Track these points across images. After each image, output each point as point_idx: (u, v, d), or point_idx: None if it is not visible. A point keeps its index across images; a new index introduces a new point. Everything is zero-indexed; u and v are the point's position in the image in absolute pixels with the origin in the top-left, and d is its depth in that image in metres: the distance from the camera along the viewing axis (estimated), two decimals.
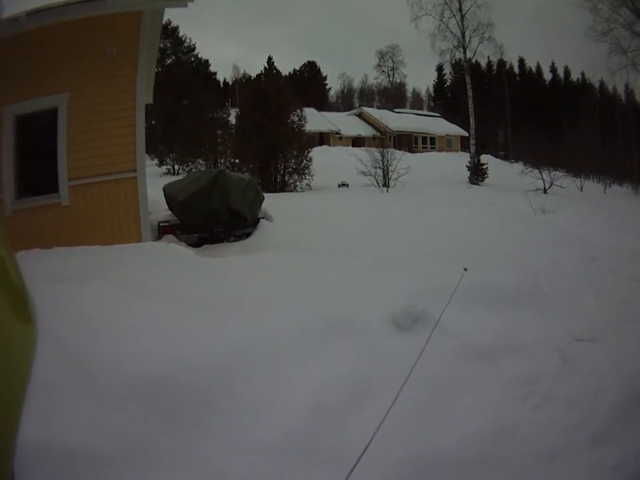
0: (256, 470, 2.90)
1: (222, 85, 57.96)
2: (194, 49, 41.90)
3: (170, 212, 10.77)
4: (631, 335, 5.15)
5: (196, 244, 9.24)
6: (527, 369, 4.43)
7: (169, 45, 37.84)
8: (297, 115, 24.33)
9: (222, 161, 26.91)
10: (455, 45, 31.25)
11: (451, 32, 31.00)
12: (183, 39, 40.57)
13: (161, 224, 10.17)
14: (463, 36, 30.63)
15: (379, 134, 44.04)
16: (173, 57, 39.13)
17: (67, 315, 4.07)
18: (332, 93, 72.30)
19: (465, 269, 5.51)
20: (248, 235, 10.26)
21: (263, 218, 11.04)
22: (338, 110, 58.18)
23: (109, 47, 7.69)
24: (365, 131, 46.86)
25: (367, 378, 3.82)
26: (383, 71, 67.07)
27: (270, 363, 3.79)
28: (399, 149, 30.24)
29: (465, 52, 30.91)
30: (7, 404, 0.64)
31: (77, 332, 3.85)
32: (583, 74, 57.41)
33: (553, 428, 3.74)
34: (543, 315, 5.73)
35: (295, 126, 24.12)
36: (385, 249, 7.76)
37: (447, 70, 54.30)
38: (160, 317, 4.12)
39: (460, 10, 30.57)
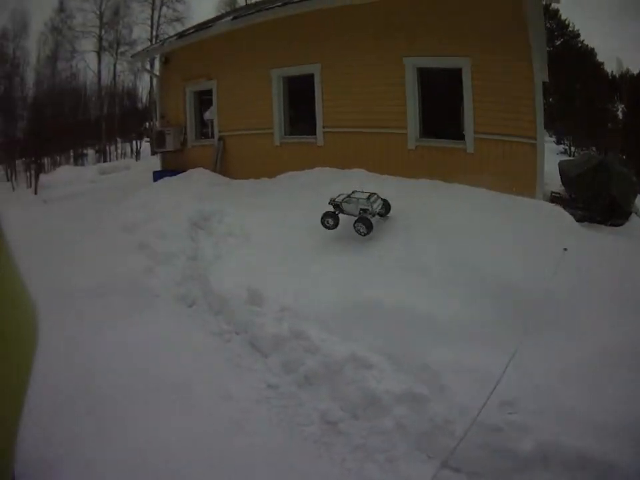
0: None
1: (610, 77, 53.48)
2: (579, 35, 39.68)
3: (562, 187, 11.60)
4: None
5: (578, 219, 9.40)
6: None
7: (554, 26, 36.58)
8: None
9: (610, 153, 25.95)
10: None
11: None
12: (566, 22, 38.60)
13: (553, 193, 11.16)
14: None
15: None
16: (561, 39, 37.77)
17: None
18: None
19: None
20: (619, 225, 10.42)
21: (635, 212, 11.20)
22: None
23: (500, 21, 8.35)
24: None
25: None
26: None
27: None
28: None
29: None
30: (7, 405, 0.64)
31: None
32: None
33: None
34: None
35: None
36: None
37: None
38: None
39: None
